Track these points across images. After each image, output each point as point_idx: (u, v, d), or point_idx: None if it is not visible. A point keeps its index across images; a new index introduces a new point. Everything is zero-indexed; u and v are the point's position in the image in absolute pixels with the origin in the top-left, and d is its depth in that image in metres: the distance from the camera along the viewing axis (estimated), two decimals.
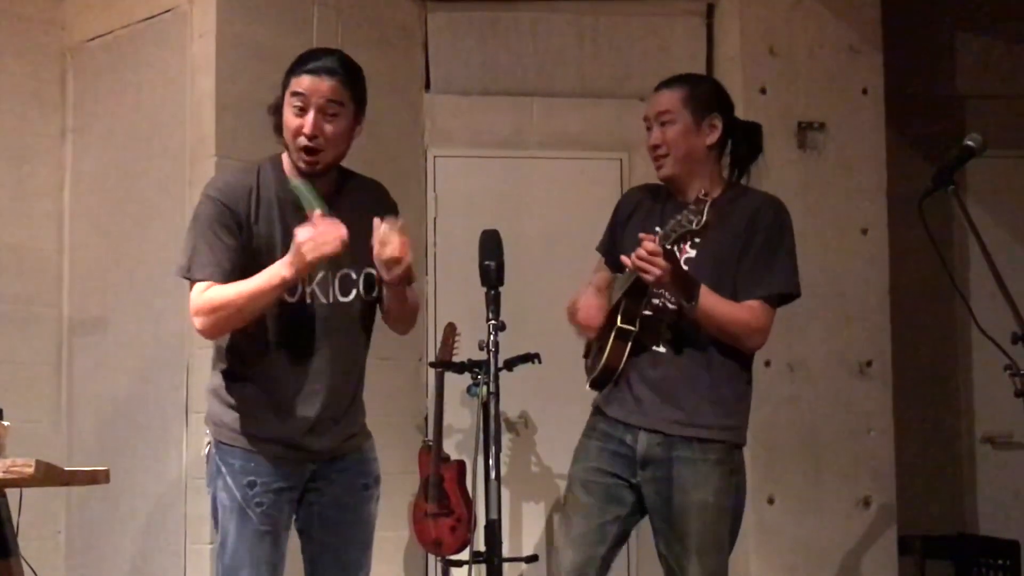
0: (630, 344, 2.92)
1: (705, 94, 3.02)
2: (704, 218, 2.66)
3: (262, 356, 2.83)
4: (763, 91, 4.72)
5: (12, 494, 3.25)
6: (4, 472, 2.65)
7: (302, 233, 2.61)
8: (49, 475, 2.69)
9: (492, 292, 3.01)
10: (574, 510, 2.99)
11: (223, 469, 2.85)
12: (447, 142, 5.03)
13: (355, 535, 2.91)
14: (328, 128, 2.72)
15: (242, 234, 2.76)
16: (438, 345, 4.52)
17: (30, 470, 2.63)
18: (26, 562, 3.31)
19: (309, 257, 2.61)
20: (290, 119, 2.74)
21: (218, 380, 2.90)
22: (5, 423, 3.02)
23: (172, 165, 4.38)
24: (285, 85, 2.78)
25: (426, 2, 5.02)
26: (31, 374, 4.66)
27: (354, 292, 2.84)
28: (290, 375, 2.83)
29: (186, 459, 4.23)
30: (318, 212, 2.67)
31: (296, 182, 2.79)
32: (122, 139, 4.62)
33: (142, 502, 4.38)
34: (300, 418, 2.82)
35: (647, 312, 2.92)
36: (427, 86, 5.04)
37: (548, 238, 4.86)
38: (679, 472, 2.89)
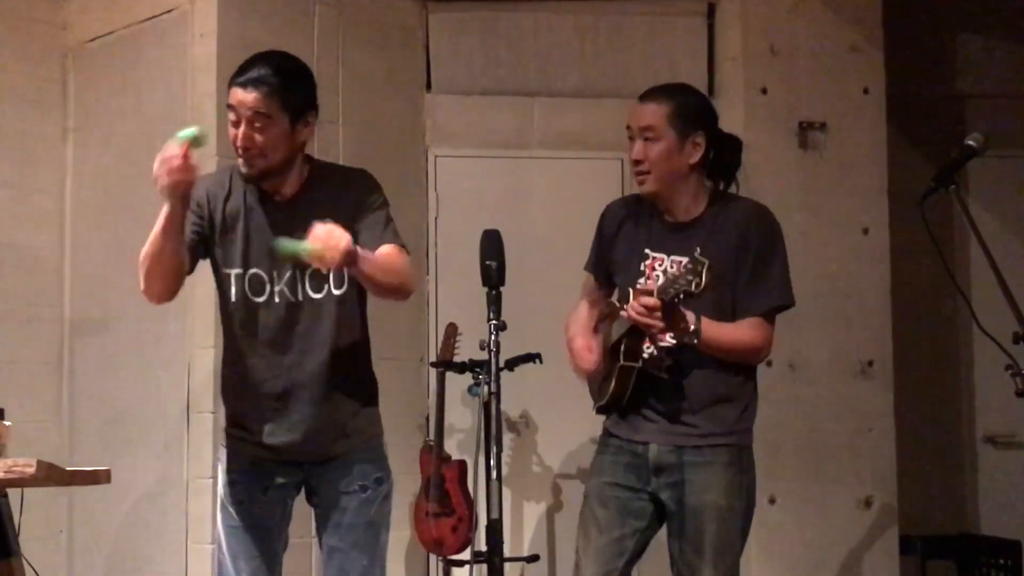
0: (635, 376, 2.93)
1: (691, 110, 2.97)
2: (704, 281, 2.62)
3: (237, 357, 2.89)
4: (764, 91, 4.71)
5: (14, 494, 3.26)
6: (6, 472, 2.66)
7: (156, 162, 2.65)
8: (51, 475, 2.70)
9: (493, 292, 3.02)
10: (592, 524, 3.00)
11: (219, 467, 2.95)
12: (448, 142, 5.02)
13: (356, 539, 2.90)
14: (258, 138, 2.75)
15: (208, 218, 2.84)
16: (439, 345, 4.52)
17: (31, 470, 2.63)
18: (28, 562, 3.31)
19: (161, 183, 2.64)
20: (229, 128, 2.80)
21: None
22: (6, 423, 3.03)
23: None
24: (228, 91, 2.82)
25: (427, 2, 5.02)
26: (32, 374, 4.67)
27: (326, 288, 2.84)
28: (260, 374, 2.85)
29: (187, 459, 4.23)
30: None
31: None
32: (123, 139, 4.62)
33: (143, 502, 4.38)
34: (268, 416, 2.84)
35: (648, 348, 2.93)
36: (428, 86, 5.04)
37: (549, 238, 4.85)
38: (691, 476, 2.91)
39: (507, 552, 3.27)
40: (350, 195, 2.83)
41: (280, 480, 2.90)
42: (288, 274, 2.82)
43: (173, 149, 2.64)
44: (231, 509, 2.88)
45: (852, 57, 4.77)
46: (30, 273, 4.71)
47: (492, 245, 3.07)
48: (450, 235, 4.89)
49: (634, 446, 2.97)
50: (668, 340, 2.89)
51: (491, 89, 5.04)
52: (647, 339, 2.90)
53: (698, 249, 2.68)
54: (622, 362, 2.91)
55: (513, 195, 4.99)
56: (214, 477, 4.08)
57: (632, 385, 2.94)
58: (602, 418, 3.12)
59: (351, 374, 2.92)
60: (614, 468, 3.00)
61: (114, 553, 4.49)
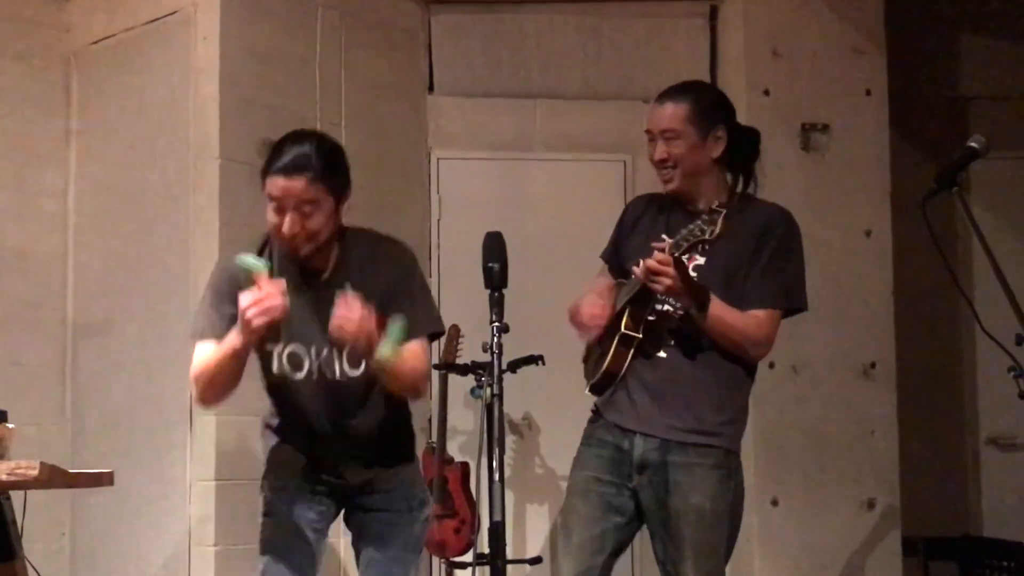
0: (633, 350, 2.91)
1: (709, 106, 2.98)
2: (719, 228, 2.64)
3: (283, 422, 2.98)
4: (766, 92, 4.72)
5: (16, 496, 3.27)
6: (9, 474, 2.66)
7: (244, 299, 2.61)
8: (54, 477, 2.70)
9: (495, 294, 3.02)
10: (573, 519, 2.99)
11: (264, 483, 3.01)
12: (450, 144, 5.03)
13: (396, 554, 2.96)
14: (308, 223, 2.71)
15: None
16: (441, 347, 4.52)
17: (35, 472, 2.64)
18: (31, 564, 3.32)
19: (254, 324, 2.60)
20: (270, 215, 2.75)
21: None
22: (10, 425, 3.03)
23: (176, 168, 4.38)
24: (263, 179, 2.75)
25: (429, 4, 5.03)
26: (35, 376, 4.67)
27: (363, 365, 2.83)
28: (302, 445, 2.94)
29: (190, 461, 4.23)
30: (263, 275, 2.65)
31: (241, 260, 2.73)
32: (126, 142, 4.62)
33: (146, 504, 4.38)
34: (310, 477, 2.94)
35: (651, 318, 2.91)
36: (431, 88, 5.04)
37: (551, 240, 4.86)
38: (675, 477, 2.88)
39: (510, 554, 3.26)
40: (384, 277, 2.83)
41: (325, 490, 2.97)
42: (325, 352, 2.84)
43: (268, 289, 2.60)
44: (282, 508, 2.93)
45: (854, 59, 4.77)
46: (33, 275, 4.71)
47: (494, 247, 3.08)
48: (452, 237, 4.89)
49: (620, 439, 2.95)
50: (674, 311, 2.87)
51: (493, 91, 5.05)
52: (650, 310, 2.89)
53: (716, 202, 2.70)
54: (622, 330, 2.89)
55: (515, 197, 4.99)
56: (217, 480, 4.11)
57: (628, 360, 2.91)
58: None
59: (391, 438, 2.98)
60: (598, 462, 2.98)
61: (117, 556, 4.49)
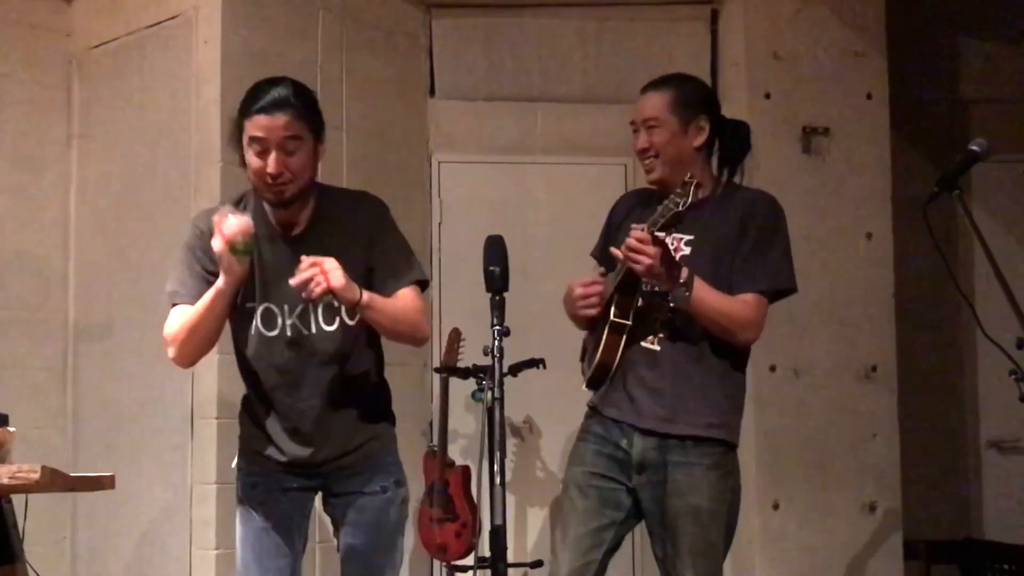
0: (624, 339, 2.91)
1: (691, 96, 3.01)
2: (690, 199, 2.64)
3: (254, 385, 2.93)
4: (767, 96, 4.72)
5: (18, 499, 3.27)
6: (10, 478, 2.66)
7: (215, 243, 2.64)
8: (55, 480, 2.70)
9: (496, 297, 3.03)
10: (570, 514, 2.98)
11: (237, 474, 3.00)
12: (452, 147, 5.03)
13: (376, 539, 2.93)
14: (291, 162, 2.73)
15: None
16: (443, 350, 4.52)
17: (36, 476, 2.64)
18: (32, 567, 3.32)
19: (226, 259, 2.63)
20: (253, 161, 2.75)
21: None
22: (11, 429, 3.03)
23: (177, 171, 4.39)
24: (240, 126, 2.76)
25: (431, 8, 5.03)
26: (37, 380, 4.67)
27: (338, 320, 2.85)
28: (276, 405, 2.89)
29: (191, 464, 4.23)
30: (218, 216, 2.67)
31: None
32: (127, 145, 4.63)
33: (148, 507, 4.39)
34: (284, 443, 2.89)
35: (640, 305, 2.91)
36: (432, 91, 5.05)
37: (552, 243, 4.86)
38: (674, 476, 2.88)
39: (511, 558, 3.26)
40: (363, 227, 2.85)
41: (298, 483, 2.94)
42: (300, 308, 2.83)
43: (237, 218, 2.64)
44: (254, 511, 2.92)
45: (855, 62, 4.77)
46: (34, 279, 4.72)
47: (495, 251, 3.08)
48: (453, 241, 4.89)
49: (618, 437, 2.94)
50: (661, 296, 2.87)
51: (494, 95, 5.06)
52: (638, 297, 2.88)
53: (689, 174, 2.70)
54: (612, 318, 2.88)
55: (516, 201, 4.99)
56: (218, 483, 4.11)
57: (621, 349, 2.91)
58: None
59: (366, 395, 2.95)
60: (596, 458, 2.98)
61: (118, 559, 4.49)
